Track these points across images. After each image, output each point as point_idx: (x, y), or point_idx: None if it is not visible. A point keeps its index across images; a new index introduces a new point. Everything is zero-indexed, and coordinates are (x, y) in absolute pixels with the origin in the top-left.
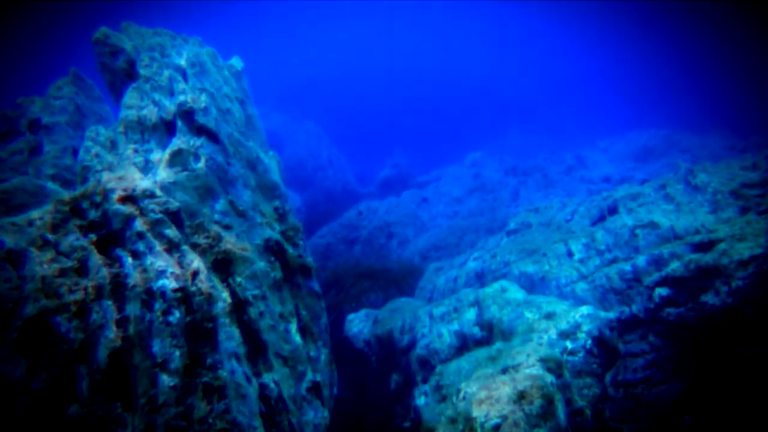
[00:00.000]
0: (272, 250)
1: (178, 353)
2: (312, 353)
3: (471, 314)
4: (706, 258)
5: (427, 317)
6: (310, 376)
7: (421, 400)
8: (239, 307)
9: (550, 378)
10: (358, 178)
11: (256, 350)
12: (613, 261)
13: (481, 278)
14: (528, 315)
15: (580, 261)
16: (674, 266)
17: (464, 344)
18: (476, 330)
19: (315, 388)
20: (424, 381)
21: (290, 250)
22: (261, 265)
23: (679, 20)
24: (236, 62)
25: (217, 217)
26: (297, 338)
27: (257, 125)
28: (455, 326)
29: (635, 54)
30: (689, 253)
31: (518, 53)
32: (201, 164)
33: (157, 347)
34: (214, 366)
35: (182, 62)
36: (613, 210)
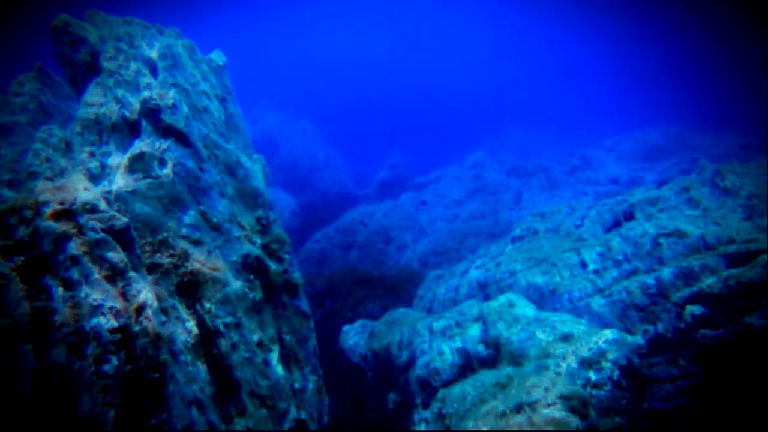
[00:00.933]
0: (251, 267)
1: (112, 414)
2: (297, 384)
3: (475, 330)
4: (750, 273)
5: (427, 332)
6: (293, 413)
7: (421, 427)
8: (208, 338)
9: (575, 422)
10: (355, 179)
11: (226, 390)
12: (633, 273)
13: (484, 288)
14: (541, 336)
15: (595, 272)
16: (710, 282)
17: (468, 363)
18: (481, 348)
19: (299, 428)
20: (425, 405)
21: (273, 266)
22: (236, 286)
23: (681, 19)
24: (217, 56)
25: (185, 231)
26: (278, 369)
27: (240, 125)
28: (458, 343)
29: (637, 52)
30: (723, 265)
31: (518, 50)
32: (167, 170)
33: (85, 406)
34: (160, 429)
35: (153, 54)
36: (629, 215)
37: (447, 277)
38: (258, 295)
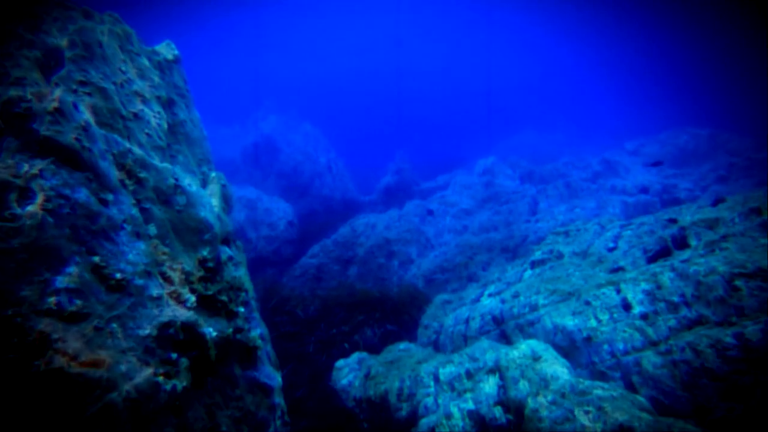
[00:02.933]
0: (174, 341)
1: None
2: None
3: (490, 386)
4: None
5: (432, 380)
6: None
7: None
8: None
9: None
10: (359, 184)
11: None
12: (698, 323)
13: (500, 324)
14: (584, 420)
15: (643, 317)
16: None
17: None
18: (498, 412)
19: None
20: None
21: (212, 332)
22: (138, 381)
23: (696, 19)
24: (165, 49)
25: (53, 301)
26: None
27: (194, 135)
28: (469, 404)
29: (656, 52)
30: None
31: (528, 51)
32: (33, 207)
33: None
34: None
35: (62, 42)
36: (680, 241)
37: (456, 304)
38: (182, 383)
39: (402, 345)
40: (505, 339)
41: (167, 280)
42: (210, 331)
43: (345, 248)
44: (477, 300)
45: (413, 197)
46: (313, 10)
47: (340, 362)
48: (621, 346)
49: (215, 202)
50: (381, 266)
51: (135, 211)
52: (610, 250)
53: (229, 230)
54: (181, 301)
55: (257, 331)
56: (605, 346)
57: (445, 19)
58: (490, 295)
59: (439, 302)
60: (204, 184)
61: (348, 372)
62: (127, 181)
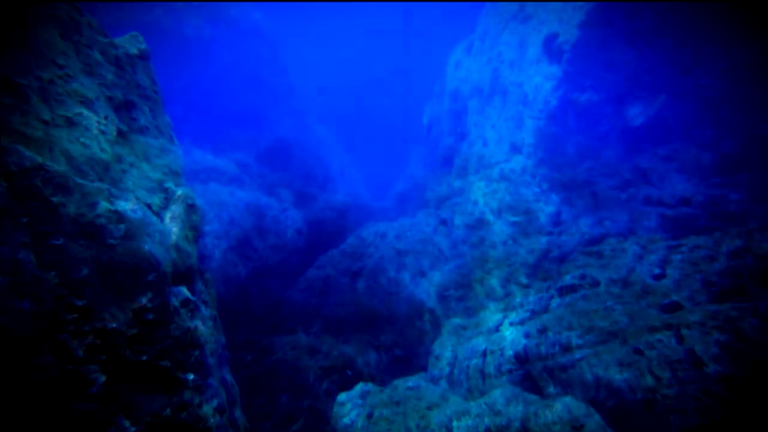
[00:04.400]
0: None
1: None
2: None
3: None
4: None
5: None
6: None
7: None
8: None
9: None
10: (373, 189)
11: None
12: None
13: (524, 363)
14: None
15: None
16: None
17: None
18: None
19: None
20: None
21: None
22: None
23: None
24: (128, 42)
25: None
26: None
27: (157, 145)
28: None
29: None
30: None
31: None
32: None
33: None
34: None
35: None
36: (759, 277)
37: (471, 332)
38: None
39: (410, 381)
40: (530, 381)
41: (65, 352)
42: (126, 427)
43: (353, 259)
44: (495, 329)
45: (427, 203)
46: (325, 13)
47: (341, 396)
48: (696, 420)
49: (175, 228)
50: (391, 280)
51: (25, 254)
52: (657, 278)
53: (192, 263)
54: (91, 380)
55: (213, 403)
56: (672, 418)
57: (458, 22)
58: (511, 324)
59: (452, 327)
60: (167, 203)
61: (350, 408)
62: (17, 212)
